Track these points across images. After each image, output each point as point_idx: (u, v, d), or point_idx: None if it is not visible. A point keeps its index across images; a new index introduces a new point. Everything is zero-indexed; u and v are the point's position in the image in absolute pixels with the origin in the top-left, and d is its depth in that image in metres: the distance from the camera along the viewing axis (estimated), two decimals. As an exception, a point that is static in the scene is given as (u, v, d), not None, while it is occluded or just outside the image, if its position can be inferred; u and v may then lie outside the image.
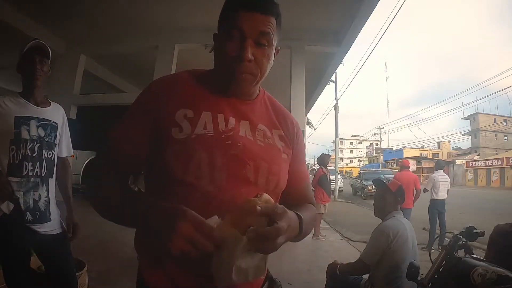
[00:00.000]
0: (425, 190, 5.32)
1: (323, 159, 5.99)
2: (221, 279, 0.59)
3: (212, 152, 0.69)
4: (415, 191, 5.16)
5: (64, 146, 1.72)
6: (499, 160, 25.81)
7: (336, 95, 16.02)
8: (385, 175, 12.71)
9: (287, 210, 0.61)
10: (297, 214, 0.66)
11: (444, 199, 5.21)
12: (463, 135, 36.57)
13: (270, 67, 0.76)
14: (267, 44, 0.72)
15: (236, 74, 0.70)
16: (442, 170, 5.43)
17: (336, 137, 16.44)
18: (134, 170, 0.75)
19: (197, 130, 0.70)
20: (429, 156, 34.92)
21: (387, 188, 2.02)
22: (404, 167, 5.61)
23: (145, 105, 0.74)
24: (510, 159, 24.36)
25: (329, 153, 9.46)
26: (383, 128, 40.64)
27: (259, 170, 0.73)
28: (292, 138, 0.84)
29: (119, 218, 0.68)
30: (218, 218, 0.58)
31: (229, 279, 0.58)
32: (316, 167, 8.14)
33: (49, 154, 1.60)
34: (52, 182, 1.62)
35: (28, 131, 1.52)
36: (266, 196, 0.62)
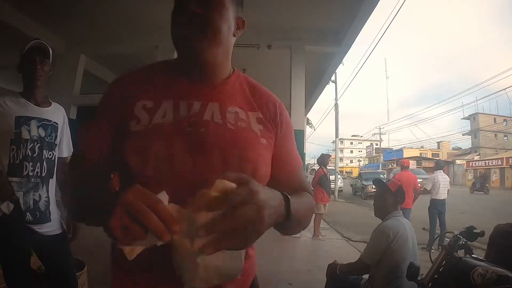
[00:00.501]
0: (425, 190, 5.32)
1: (323, 159, 6.01)
2: (187, 281, 0.50)
3: (171, 141, 0.62)
4: (414, 191, 5.17)
5: (65, 147, 1.72)
6: (499, 160, 25.80)
7: (336, 95, 16.03)
8: (380, 176, 12.75)
9: (261, 185, 0.48)
10: (282, 193, 0.55)
11: (444, 199, 5.22)
12: (463, 135, 36.58)
13: (227, 29, 0.67)
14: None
15: (182, 29, 0.64)
16: (441, 170, 5.43)
17: (336, 137, 16.44)
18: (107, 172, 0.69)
19: (155, 119, 0.64)
20: (429, 156, 34.91)
21: (387, 188, 2.02)
22: (404, 167, 5.61)
23: (104, 107, 0.69)
24: (510, 159, 24.34)
25: (329, 153, 9.46)
26: (383, 128, 40.69)
27: (228, 158, 0.64)
28: (274, 120, 0.73)
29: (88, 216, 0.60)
30: (166, 194, 0.48)
31: (194, 281, 0.49)
32: (316, 167, 8.15)
33: (50, 155, 1.60)
34: (53, 182, 1.62)
35: (29, 131, 1.52)
36: (221, 182, 0.46)
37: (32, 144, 1.52)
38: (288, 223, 0.56)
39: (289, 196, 0.56)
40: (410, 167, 5.73)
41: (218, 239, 0.43)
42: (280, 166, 0.73)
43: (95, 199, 0.55)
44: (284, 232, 0.64)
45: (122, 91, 0.68)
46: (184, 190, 0.56)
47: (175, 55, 0.74)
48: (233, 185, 0.46)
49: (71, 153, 1.78)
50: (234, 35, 0.72)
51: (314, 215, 5.90)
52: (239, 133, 0.67)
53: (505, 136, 34.11)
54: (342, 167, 44.57)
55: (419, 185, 5.37)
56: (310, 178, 14.21)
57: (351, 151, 60.81)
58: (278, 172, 0.72)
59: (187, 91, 0.68)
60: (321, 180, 5.67)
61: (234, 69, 0.76)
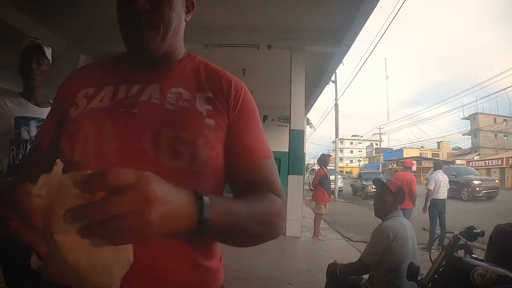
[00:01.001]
0: (428, 190, 5.32)
1: (323, 159, 6.04)
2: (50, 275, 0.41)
3: (102, 124, 0.58)
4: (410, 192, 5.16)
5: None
6: (499, 160, 25.80)
7: (336, 95, 16.05)
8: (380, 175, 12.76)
9: (161, 180, 0.39)
10: (196, 193, 0.44)
11: (444, 199, 5.23)
12: (463, 135, 36.59)
13: (180, 19, 0.66)
14: None
15: (133, 29, 0.61)
16: (441, 170, 5.45)
17: (336, 137, 16.47)
18: None
19: (92, 104, 0.62)
20: (429, 156, 34.92)
21: (387, 188, 2.03)
22: (406, 167, 5.64)
23: (55, 100, 0.70)
24: (510, 159, 24.35)
25: (329, 153, 9.49)
26: (383, 128, 40.62)
27: (160, 140, 0.57)
28: (227, 99, 0.64)
29: None
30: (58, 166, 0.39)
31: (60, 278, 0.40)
32: (316, 167, 8.15)
33: (49, 155, 1.60)
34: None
35: (28, 131, 1.52)
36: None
37: (31, 144, 1.52)
38: (208, 232, 0.44)
39: (206, 197, 0.44)
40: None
41: (86, 228, 0.35)
42: (234, 154, 0.62)
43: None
44: (223, 242, 0.56)
45: (69, 84, 0.68)
46: None
47: None
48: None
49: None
50: (185, 20, 0.69)
51: (315, 215, 5.92)
52: (177, 113, 0.60)
53: (505, 136, 34.11)
54: (342, 167, 44.60)
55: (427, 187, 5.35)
56: (310, 178, 14.24)
57: (351, 151, 60.82)
58: (232, 162, 0.62)
59: (130, 75, 0.65)
60: (322, 180, 5.70)
61: (188, 53, 0.72)
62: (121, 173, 0.36)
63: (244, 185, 0.63)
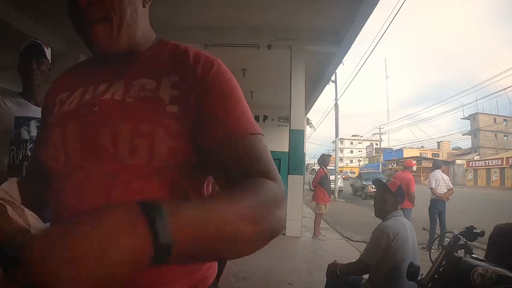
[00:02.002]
0: (431, 189, 5.32)
1: (324, 159, 6.06)
2: None
3: (66, 126, 0.58)
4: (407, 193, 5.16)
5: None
6: (499, 160, 25.82)
7: (336, 95, 16.04)
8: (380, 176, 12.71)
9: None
10: (139, 205, 0.34)
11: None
12: (463, 135, 36.61)
13: (134, 5, 0.59)
14: None
15: (80, 25, 0.57)
16: (440, 170, 5.46)
17: (336, 137, 16.46)
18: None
19: (62, 109, 0.62)
20: (429, 156, 34.92)
21: (387, 188, 2.03)
22: (405, 167, 5.65)
23: (42, 111, 0.72)
24: (510, 159, 24.35)
25: (330, 153, 9.51)
26: (383, 128, 40.69)
27: (118, 136, 0.53)
28: (194, 76, 0.57)
29: None
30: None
31: None
32: (316, 167, 8.15)
33: (49, 155, 1.60)
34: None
35: (28, 131, 1.52)
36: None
37: (31, 144, 1.52)
38: (177, 257, 0.34)
39: (159, 207, 0.34)
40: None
41: None
42: (210, 137, 0.53)
43: None
44: (211, 260, 0.54)
45: (50, 91, 0.70)
46: (81, 178, 0.53)
47: None
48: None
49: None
50: (144, 6, 0.63)
51: (315, 215, 5.92)
52: (136, 105, 0.55)
53: (505, 136, 34.12)
54: (342, 167, 44.57)
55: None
56: (310, 178, 14.24)
57: (351, 151, 60.83)
58: (209, 146, 0.53)
59: (97, 75, 0.63)
60: (322, 180, 5.72)
61: (159, 40, 0.67)
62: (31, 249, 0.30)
63: (227, 171, 0.53)
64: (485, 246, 1.72)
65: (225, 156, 0.52)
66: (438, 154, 37.60)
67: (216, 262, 0.63)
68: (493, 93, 38.22)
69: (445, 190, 5.23)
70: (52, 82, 0.72)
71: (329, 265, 2.06)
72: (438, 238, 3.31)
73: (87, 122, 0.56)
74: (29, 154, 1.51)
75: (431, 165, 6.93)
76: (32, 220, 0.44)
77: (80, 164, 0.54)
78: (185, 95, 0.56)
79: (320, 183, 5.71)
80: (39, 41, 1.58)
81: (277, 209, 0.46)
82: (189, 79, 0.57)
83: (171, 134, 0.53)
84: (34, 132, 1.54)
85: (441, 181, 5.25)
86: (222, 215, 0.39)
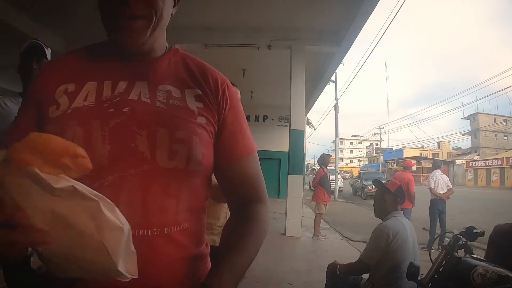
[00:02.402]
0: (430, 189, 5.33)
1: (324, 159, 6.08)
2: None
3: (90, 125, 0.54)
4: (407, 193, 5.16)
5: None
6: (499, 160, 25.82)
7: (336, 95, 16.04)
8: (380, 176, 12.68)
9: None
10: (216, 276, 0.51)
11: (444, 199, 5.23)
12: (463, 135, 36.61)
13: (169, 11, 0.62)
14: None
15: (119, 20, 0.56)
16: (439, 170, 5.46)
17: (336, 137, 16.45)
18: None
19: (75, 103, 0.57)
20: (429, 156, 34.93)
21: (386, 188, 2.04)
22: (405, 167, 5.65)
23: (30, 94, 0.63)
24: (510, 159, 24.36)
25: (329, 153, 9.53)
26: (383, 128, 40.69)
27: (157, 140, 0.55)
28: (216, 97, 0.63)
29: None
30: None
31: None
32: (316, 167, 8.16)
33: (50, 154, 1.60)
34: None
35: (29, 131, 1.52)
36: (30, 169, 0.38)
37: None
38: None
39: (221, 278, 0.51)
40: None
41: None
42: (224, 152, 0.63)
43: None
44: None
45: (45, 77, 0.62)
46: (113, 179, 0.52)
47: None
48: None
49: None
50: (171, 14, 0.65)
51: (315, 215, 5.92)
52: (170, 111, 0.58)
53: (505, 136, 34.13)
54: (342, 167, 44.60)
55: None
56: (310, 178, 14.23)
57: (351, 151, 60.85)
58: (220, 159, 0.63)
59: (113, 71, 0.61)
60: (322, 180, 5.72)
61: (171, 46, 0.68)
62: None
63: (231, 182, 0.65)
64: (485, 246, 1.72)
65: (231, 169, 0.65)
66: (438, 154, 37.60)
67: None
68: (493, 93, 38.27)
69: (445, 190, 5.23)
70: (44, 68, 0.67)
71: (329, 265, 2.06)
72: (438, 238, 3.31)
73: (118, 122, 0.55)
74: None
75: (431, 165, 6.93)
76: (122, 218, 0.42)
77: (111, 165, 0.53)
78: (208, 110, 0.62)
79: (320, 183, 5.71)
80: (40, 42, 1.58)
81: (267, 226, 0.66)
82: (210, 97, 0.63)
83: (203, 142, 0.59)
84: (34, 132, 1.54)
85: (440, 181, 5.25)
86: (245, 261, 0.57)
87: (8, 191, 0.38)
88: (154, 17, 0.58)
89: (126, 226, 0.42)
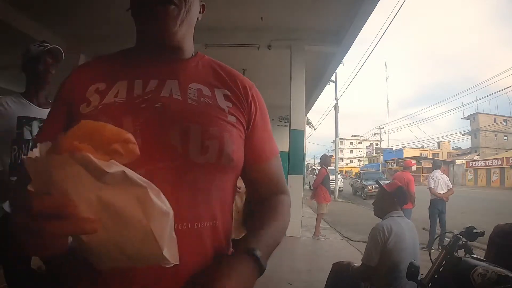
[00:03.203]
0: (430, 189, 5.33)
1: (326, 160, 6.24)
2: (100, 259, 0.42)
3: (121, 119, 0.54)
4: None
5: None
6: (499, 160, 25.81)
7: (336, 95, 16.03)
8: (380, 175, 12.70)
9: (224, 270, 0.49)
10: (250, 254, 0.53)
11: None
12: (463, 135, 36.60)
13: (196, 10, 0.65)
14: None
15: (154, 5, 0.58)
16: (439, 170, 5.47)
17: (336, 137, 16.44)
18: None
19: (106, 100, 0.58)
20: (429, 156, 34.92)
21: (383, 188, 2.07)
22: (405, 167, 5.67)
23: (60, 95, 0.64)
24: (510, 159, 24.35)
25: (330, 153, 9.65)
26: (383, 128, 40.68)
27: (189, 135, 0.56)
28: (246, 100, 0.67)
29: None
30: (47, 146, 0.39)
31: (108, 260, 0.41)
32: (317, 167, 8.20)
33: (50, 155, 1.61)
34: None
35: (30, 131, 1.53)
36: (85, 155, 0.37)
37: (33, 144, 1.53)
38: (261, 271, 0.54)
39: (257, 254, 0.53)
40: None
41: None
42: (252, 153, 0.66)
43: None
44: None
45: (75, 79, 0.64)
46: (145, 172, 0.51)
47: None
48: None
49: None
50: (198, 18, 0.69)
51: (317, 214, 5.94)
52: (201, 108, 0.60)
53: (505, 136, 34.12)
54: (342, 167, 44.60)
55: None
56: (310, 178, 14.22)
57: (351, 151, 60.84)
58: (249, 160, 0.65)
59: (143, 70, 0.63)
60: (325, 180, 5.82)
61: (197, 52, 0.71)
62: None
63: (258, 180, 0.69)
64: (485, 246, 1.73)
65: (258, 169, 0.68)
66: (438, 154, 37.60)
67: None
68: (493, 93, 38.32)
69: (445, 190, 5.23)
70: (75, 70, 0.68)
71: (337, 263, 2.09)
72: (438, 238, 3.31)
73: (148, 117, 0.56)
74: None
75: (431, 165, 6.95)
76: (167, 203, 0.42)
77: (143, 158, 0.52)
78: (237, 110, 0.64)
79: (323, 183, 5.80)
80: (60, 49, 1.62)
81: (289, 216, 0.70)
82: (239, 99, 0.66)
83: (233, 139, 0.60)
84: (36, 132, 1.54)
85: (440, 181, 5.25)
86: (277, 234, 0.62)
87: (56, 180, 0.37)
88: (184, 6, 0.60)
89: (171, 211, 0.42)
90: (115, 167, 0.38)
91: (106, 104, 0.57)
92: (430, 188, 5.28)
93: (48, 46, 1.59)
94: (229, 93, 0.65)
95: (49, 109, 1.73)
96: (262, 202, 0.68)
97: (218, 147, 0.57)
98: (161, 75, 0.62)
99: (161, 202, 0.41)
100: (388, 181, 2.23)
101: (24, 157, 0.38)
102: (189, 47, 0.68)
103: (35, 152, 0.39)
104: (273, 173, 0.70)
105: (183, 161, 0.55)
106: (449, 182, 5.35)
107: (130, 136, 0.41)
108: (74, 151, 0.37)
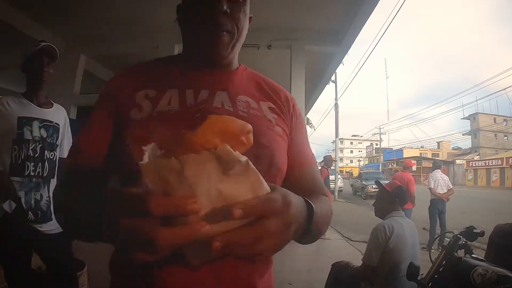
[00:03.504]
0: (430, 189, 5.34)
1: (329, 161, 6.40)
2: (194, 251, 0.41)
3: (178, 128, 0.54)
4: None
5: (66, 147, 1.73)
6: (499, 160, 25.81)
7: (336, 95, 16.04)
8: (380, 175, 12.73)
9: (288, 194, 0.44)
10: (306, 200, 0.50)
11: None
12: (463, 135, 36.59)
13: (246, 30, 0.67)
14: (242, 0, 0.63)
15: (209, 31, 0.60)
16: (439, 170, 5.47)
17: (336, 137, 16.44)
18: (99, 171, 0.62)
19: (159, 107, 0.59)
20: (429, 156, 34.93)
21: (383, 188, 2.06)
22: (405, 167, 5.68)
23: (106, 97, 0.65)
24: (510, 159, 24.35)
25: (329, 153, 9.75)
26: (383, 128, 40.72)
27: None
28: (288, 111, 0.70)
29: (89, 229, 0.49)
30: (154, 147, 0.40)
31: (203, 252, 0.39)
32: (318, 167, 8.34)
33: (51, 155, 1.60)
34: (54, 182, 1.63)
35: (31, 131, 1.53)
36: (226, 148, 0.38)
37: (33, 144, 1.53)
38: (306, 237, 0.51)
39: (314, 208, 0.51)
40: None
41: (232, 242, 0.38)
42: (294, 160, 0.68)
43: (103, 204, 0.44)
44: (298, 241, 0.58)
45: (122, 83, 0.64)
46: None
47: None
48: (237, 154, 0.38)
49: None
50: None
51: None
52: (253, 119, 0.61)
53: (505, 136, 34.13)
54: (342, 167, 44.61)
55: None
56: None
57: (351, 151, 60.85)
58: (291, 167, 0.67)
59: (193, 80, 0.64)
60: (327, 181, 5.99)
61: (240, 63, 0.74)
62: (272, 201, 0.40)
63: (297, 190, 0.66)
64: (485, 246, 1.73)
65: (300, 176, 0.69)
66: (438, 154, 37.60)
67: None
68: (493, 93, 38.27)
69: (445, 190, 5.24)
70: (122, 73, 0.68)
71: (336, 263, 2.08)
72: (438, 238, 3.32)
73: None
74: (31, 154, 1.52)
75: (431, 165, 6.96)
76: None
77: None
78: (282, 122, 0.67)
79: (325, 183, 5.91)
80: (54, 47, 1.61)
81: (331, 218, 0.68)
82: (283, 110, 0.69)
83: (280, 150, 0.63)
84: (36, 132, 1.55)
85: (440, 181, 5.26)
86: (324, 212, 0.59)
87: (185, 179, 0.37)
88: (236, 33, 0.63)
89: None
90: (242, 157, 0.40)
91: (161, 112, 0.58)
92: (430, 188, 5.28)
93: (41, 45, 1.58)
94: (273, 106, 0.68)
95: (49, 109, 1.73)
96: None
97: (269, 157, 0.60)
98: (210, 85, 0.64)
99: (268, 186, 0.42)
100: (388, 181, 2.22)
101: (142, 162, 0.38)
102: (235, 60, 0.71)
103: (146, 157, 0.39)
104: (315, 178, 0.72)
105: None
106: (449, 182, 5.35)
107: (250, 127, 0.43)
108: (210, 148, 0.38)
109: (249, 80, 0.71)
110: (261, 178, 0.41)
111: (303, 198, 0.50)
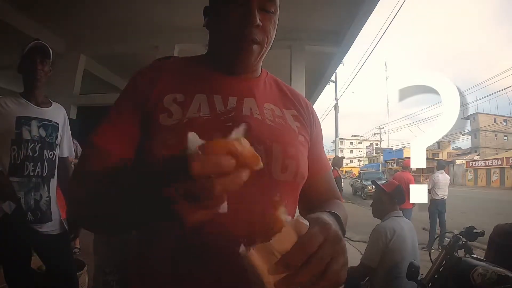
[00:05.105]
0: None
1: (339, 162, 6.44)
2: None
3: (210, 137, 0.53)
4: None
5: (65, 146, 1.73)
6: (499, 160, 25.80)
7: (336, 95, 16.06)
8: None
9: (321, 218, 0.45)
10: (335, 216, 0.51)
11: (444, 199, 5.24)
12: (463, 135, 36.57)
13: (273, 39, 0.68)
14: (273, 10, 0.66)
15: (241, 43, 0.61)
16: (443, 171, 5.48)
17: (336, 137, 16.46)
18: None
19: (190, 113, 0.58)
20: (429, 156, 34.92)
21: (381, 188, 2.05)
22: (405, 167, 5.70)
23: (132, 93, 0.63)
24: (510, 159, 24.34)
25: (329, 153, 9.72)
26: (383, 128, 40.68)
27: (272, 154, 0.59)
28: (308, 118, 0.71)
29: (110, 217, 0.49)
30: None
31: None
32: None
33: (50, 155, 1.60)
34: (54, 182, 1.63)
35: (29, 131, 1.52)
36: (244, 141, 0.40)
37: (33, 144, 1.53)
38: None
39: (341, 217, 0.54)
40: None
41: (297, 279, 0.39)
42: (312, 167, 0.69)
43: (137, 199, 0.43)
44: None
45: (151, 81, 0.62)
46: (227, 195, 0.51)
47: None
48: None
49: (71, 153, 1.78)
50: None
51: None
52: (280, 129, 0.63)
53: (505, 136, 34.11)
54: (342, 168, 44.58)
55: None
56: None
57: (351, 151, 60.85)
58: (311, 177, 0.68)
59: (220, 85, 0.64)
60: (338, 181, 5.96)
61: (262, 69, 0.74)
62: (314, 237, 0.41)
63: (314, 194, 0.71)
64: (485, 246, 1.73)
65: (317, 182, 0.71)
66: (438, 154, 37.59)
67: None
68: (493, 93, 38.27)
69: (446, 192, 5.25)
70: (144, 72, 0.66)
71: None
72: (438, 238, 3.31)
73: None
74: (30, 153, 1.51)
75: (431, 165, 6.96)
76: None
77: None
78: (304, 130, 0.69)
79: (337, 184, 5.94)
80: (44, 43, 1.59)
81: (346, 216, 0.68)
82: (304, 117, 0.70)
83: (303, 159, 0.65)
84: (35, 132, 1.54)
85: (441, 183, 5.25)
86: (345, 217, 0.61)
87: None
88: (266, 43, 0.64)
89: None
90: (285, 216, 0.45)
91: (192, 119, 0.58)
92: (428, 190, 5.29)
93: (31, 44, 1.57)
94: (296, 113, 0.69)
95: (48, 108, 1.73)
96: (321, 204, 0.68)
97: (295, 166, 0.61)
98: (238, 92, 0.64)
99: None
100: (384, 181, 2.21)
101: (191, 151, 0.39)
102: (260, 66, 0.72)
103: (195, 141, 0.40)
104: (331, 184, 0.75)
105: (267, 180, 0.58)
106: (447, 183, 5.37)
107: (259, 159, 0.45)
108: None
109: (272, 86, 0.72)
110: (301, 219, 0.44)
111: (329, 211, 0.52)
